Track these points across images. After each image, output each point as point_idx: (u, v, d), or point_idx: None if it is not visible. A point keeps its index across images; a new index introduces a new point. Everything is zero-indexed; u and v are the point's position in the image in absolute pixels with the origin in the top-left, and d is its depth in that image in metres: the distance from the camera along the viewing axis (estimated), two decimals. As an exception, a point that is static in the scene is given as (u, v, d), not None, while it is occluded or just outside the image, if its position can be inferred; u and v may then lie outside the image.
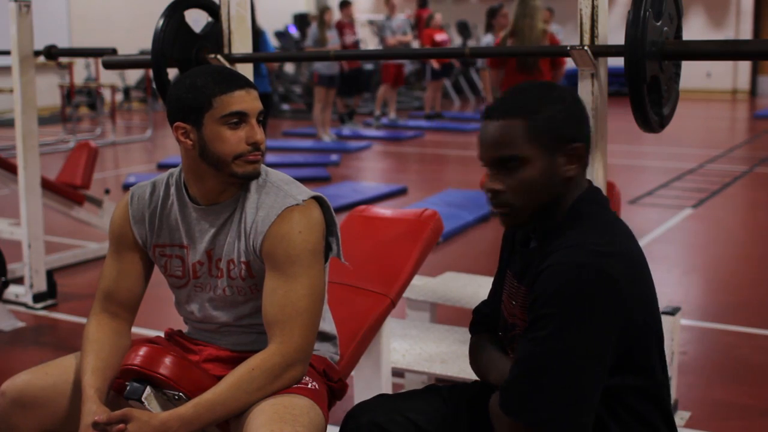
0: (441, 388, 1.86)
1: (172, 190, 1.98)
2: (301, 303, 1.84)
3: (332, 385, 2.01)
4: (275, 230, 1.85)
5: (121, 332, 1.98)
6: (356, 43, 11.81)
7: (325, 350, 2.07)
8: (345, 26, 11.37)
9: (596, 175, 2.36)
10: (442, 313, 3.72)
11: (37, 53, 4.46)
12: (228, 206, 1.92)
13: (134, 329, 2.03)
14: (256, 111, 1.86)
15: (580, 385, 1.48)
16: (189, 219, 1.96)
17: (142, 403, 1.80)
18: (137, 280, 2.02)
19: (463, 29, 16.41)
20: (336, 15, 11.96)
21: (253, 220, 1.88)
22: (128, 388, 1.82)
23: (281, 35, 15.22)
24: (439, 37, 12.48)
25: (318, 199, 1.93)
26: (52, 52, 4.51)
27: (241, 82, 1.86)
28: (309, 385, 1.87)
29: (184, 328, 2.11)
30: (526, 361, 1.50)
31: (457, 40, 16.84)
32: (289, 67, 15.58)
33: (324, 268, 1.95)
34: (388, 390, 2.46)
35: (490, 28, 7.34)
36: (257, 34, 6.92)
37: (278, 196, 1.89)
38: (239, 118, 1.85)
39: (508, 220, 1.62)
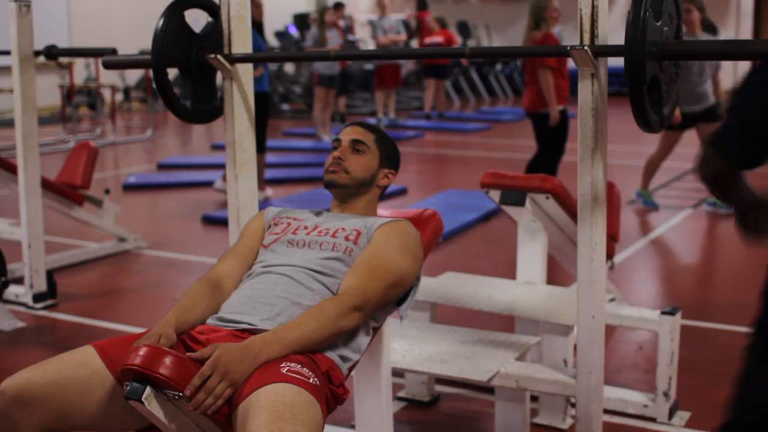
0: None
1: None
2: (387, 265, 2.12)
3: (333, 389, 2.01)
4: (395, 223, 2.23)
5: (220, 289, 2.19)
6: (344, 44, 11.84)
7: (337, 355, 2.08)
8: (337, 27, 11.41)
9: (596, 175, 2.36)
10: (442, 313, 3.72)
11: (37, 53, 4.46)
12: (355, 217, 2.30)
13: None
14: (348, 140, 2.36)
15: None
16: (319, 213, 2.38)
17: (142, 403, 1.80)
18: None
19: (463, 29, 16.40)
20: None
21: (374, 221, 2.25)
22: (128, 388, 1.81)
23: (281, 35, 15.22)
24: (429, 39, 12.49)
25: None
26: (52, 52, 4.50)
27: (356, 124, 2.44)
28: (311, 380, 1.88)
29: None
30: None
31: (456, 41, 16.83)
32: (289, 67, 15.58)
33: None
34: (388, 390, 2.46)
35: None
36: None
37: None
38: (337, 144, 2.38)
39: None
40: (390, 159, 2.42)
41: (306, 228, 2.28)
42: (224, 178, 7.25)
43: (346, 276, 2.13)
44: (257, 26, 6.85)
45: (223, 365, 1.84)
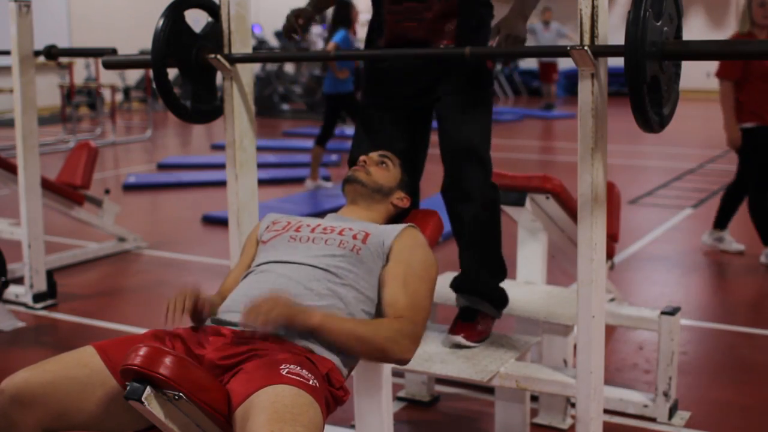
0: None
1: None
2: (425, 302, 2.15)
3: (333, 391, 2.01)
4: (410, 235, 2.24)
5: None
6: None
7: (337, 356, 2.07)
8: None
9: (596, 175, 2.36)
10: (442, 313, 3.72)
11: (37, 53, 4.46)
12: (362, 221, 2.32)
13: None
14: (376, 155, 2.50)
15: None
16: (321, 217, 2.40)
17: (142, 403, 1.80)
18: None
19: (463, 29, 16.36)
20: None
21: (384, 228, 2.25)
22: (128, 388, 1.81)
23: (281, 35, 15.20)
24: None
25: None
26: (52, 52, 4.50)
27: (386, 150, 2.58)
28: (310, 382, 1.87)
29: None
30: None
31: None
32: (289, 67, 15.58)
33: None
34: (388, 390, 2.46)
35: None
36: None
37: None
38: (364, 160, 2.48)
39: None
40: (408, 187, 2.52)
41: (309, 225, 2.28)
42: (312, 178, 7.67)
43: (389, 301, 2.13)
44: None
45: (277, 296, 1.96)
